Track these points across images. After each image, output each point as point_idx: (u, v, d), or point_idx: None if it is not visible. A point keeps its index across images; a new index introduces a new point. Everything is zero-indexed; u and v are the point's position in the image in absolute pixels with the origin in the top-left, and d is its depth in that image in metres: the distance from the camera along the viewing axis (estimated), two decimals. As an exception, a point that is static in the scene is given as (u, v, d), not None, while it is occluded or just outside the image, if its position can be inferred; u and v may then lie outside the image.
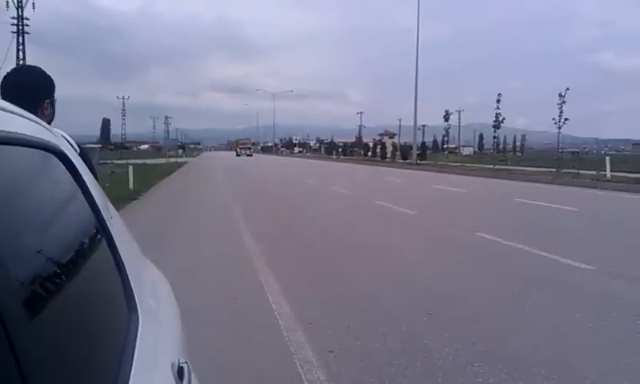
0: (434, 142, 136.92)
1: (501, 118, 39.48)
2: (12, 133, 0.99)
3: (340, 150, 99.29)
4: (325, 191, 22.65)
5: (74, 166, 1.37)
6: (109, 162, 44.58)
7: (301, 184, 27.33)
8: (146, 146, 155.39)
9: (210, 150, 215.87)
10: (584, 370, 4.26)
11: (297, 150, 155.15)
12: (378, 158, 71.61)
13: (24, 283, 0.86)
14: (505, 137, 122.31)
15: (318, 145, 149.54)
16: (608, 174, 27.00)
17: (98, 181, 1.89)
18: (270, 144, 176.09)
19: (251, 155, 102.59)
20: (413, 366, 4.30)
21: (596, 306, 5.92)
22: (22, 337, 0.75)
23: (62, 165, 1.30)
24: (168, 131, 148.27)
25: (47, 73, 2.80)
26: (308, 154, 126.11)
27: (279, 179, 32.04)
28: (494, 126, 40.56)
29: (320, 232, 11.52)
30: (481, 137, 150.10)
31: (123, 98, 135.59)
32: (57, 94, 2.80)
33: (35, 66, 2.88)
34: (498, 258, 8.72)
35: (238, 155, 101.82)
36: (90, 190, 1.42)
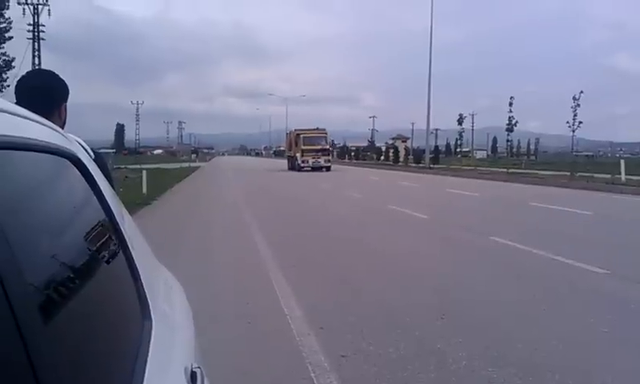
0: (447, 145, 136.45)
1: (514, 121, 39.25)
2: (27, 138, 1.00)
3: (352, 154, 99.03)
4: (337, 195, 22.63)
5: (89, 172, 1.38)
6: (122, 166, 44.85)
7: (313, 187, 27.31)
8: (159, 151, 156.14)
9: (223, 154, 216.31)
10: (598, 375, 4.22)
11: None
12: (391, 162, 71.47)
13: (39, 288, 0.86)
14: (519, 140, 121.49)
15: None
16: (623, 177, 26.74)
17: (114, 187, 1.90)
18: (282, 148, 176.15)
19: (329, 168, 48.27)
20: (426, 371, 4.28)
21: (611, 310, 5.86)
22: (36, 342, 0.76)
23: (76, 170, 1.31)
24: (181, 136, 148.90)
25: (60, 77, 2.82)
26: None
27: (291, 182, 32.04)
28: (507, 130, 40.31)
29: (332, 236, 11.51)
30: (494, 140, 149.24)
31: (137, 103, 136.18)
32: (72, 99, 2.82)
33: (49, 70, 2.90)
34: (512, 262, 8.66)
35: (295, 168, 49.79)
36: (105, 195, 1.43)
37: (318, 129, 53.19)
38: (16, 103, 1.25)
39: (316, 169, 47.47)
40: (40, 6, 48.58)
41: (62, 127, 2.54)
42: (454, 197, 21.66)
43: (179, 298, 2.02)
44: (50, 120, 1.38)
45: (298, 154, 49.55)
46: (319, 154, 48.70)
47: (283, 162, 69.64)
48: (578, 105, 33.13)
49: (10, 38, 35.52)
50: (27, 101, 2.15)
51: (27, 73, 2.92)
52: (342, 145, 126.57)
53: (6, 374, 0.70)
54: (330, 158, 51.75)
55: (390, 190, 26.45)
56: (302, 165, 48.41)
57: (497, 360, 4.47)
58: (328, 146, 52.34)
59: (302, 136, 50.08)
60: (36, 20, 48.41)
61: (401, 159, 70.34)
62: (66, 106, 2.76)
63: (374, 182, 32.16)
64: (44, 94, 2.60)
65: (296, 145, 50.96)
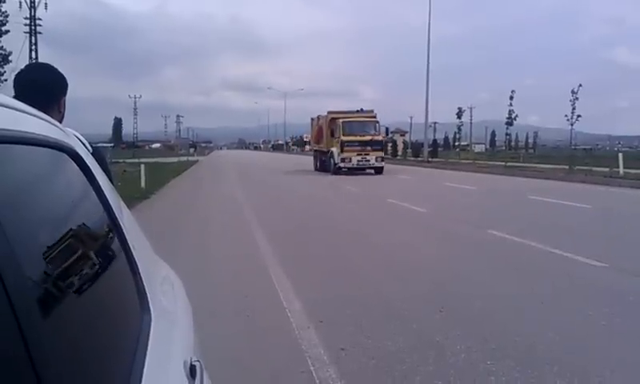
0: (446, 139, 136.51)
1: (513, 115, 39.26)
2: (25, 132, 1.00)
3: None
4: (336, 189, 22.62)
5: (87, 166, 1.37)
6: (121, 161, 44.83)
7: (312, 181, 27.29)
8: (157, 145, 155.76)
9: (221, 148, 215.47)
10: (597, 367, 4.23)
11: (308, 147, 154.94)
12: (389, 156, 71.52)
13: (37, 282, 0.86)
14: (517, 134, 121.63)
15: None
16: (621, 170, 26.76)
17: (112, 181, 1.90)
18: (280, 142, 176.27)
19: (381, 170, 32.83)
20: (425, 364, 4.29)
21: (609, 303, 5.87)
22: (35, 335, 0.76)
23: (74, 164, 1.30)
24: (179, 130, 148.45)
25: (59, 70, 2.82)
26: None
27: (291, 177, 31.99)
28: (506, 123, 40.32)
29: (332, 229, 11.52)
30: (493, 134, 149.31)
31: (135, 97, 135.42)
32: (69, 93, 2.81)
33: (48, 64, 2.89)
34: (510, 255, 8.68)
35: (329, 169, 34.07)
36: (103, 189, 1.43)
37: (362, 111, 36.29)
38: (15, 97, 1.25)
39: (361, 170, 32.58)
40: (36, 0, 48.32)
41: (61, 121, 2.53)
42: (452, 190, 21.67)
43: (178, 292, 2.02)
44: (48, 114, 1.37)
45: (335, 149, 33.23)
46: (367, 147, 32.62)
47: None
48: (577, 98, 33.18)
49: (7, 31, 35.36)
50: (26, 95, 2.15)
51: (26, 67, 2.91)
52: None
53: (6, 368, 0.70)
54: (383, 154, 35.14)
55: (388, 183, 26.42)
56: (342, 164, 32.58)
57: (495, 353, 4.48)
58: (381, 137, 34.58)
59: (340, 122, 33.33)
60: (33, 13, 48.08)
61: (399, 153, 70.31)
62: (65, 99, 2.76)
63: (372, 176, 32.08)
64: (43, 87, 2.59)
65: (332, 135, 34.09)
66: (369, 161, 32.58)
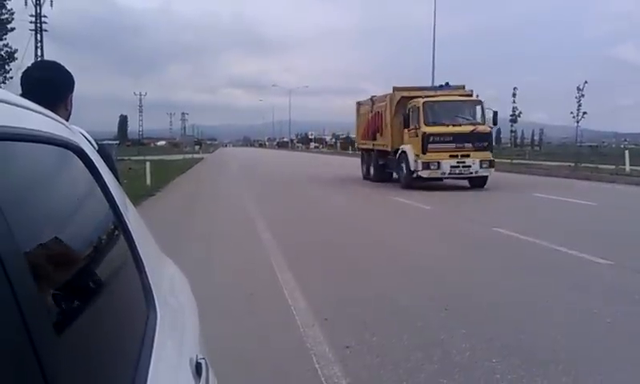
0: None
1: (517, 112, 39.05)
2: (31, 130, 1.00)
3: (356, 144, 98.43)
4: (341, 186, 22.59)
5: (92, 163, 1.38)
6: (126, 158, 44.92)
7: (317, 179, 27.26)
8: (163, 143, 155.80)
9: (226, 145, 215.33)
10: (602, 365, 4.22)
11: (313, 145, 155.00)
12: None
13: (43, 280, 0.86)
14: (522, 131, 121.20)
15: (333, 140, 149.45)
16: (627, 167, 26.61)
17: (118, 179, 1.90)
18: (285, 139, 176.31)
19: (484, 181, 19.92)
20: (430, 362, 4.28)
21: (615, 301, 5.85)
22: (41, 333, 0.76)
23: (80, 162, 1.30)
24: (185, 127, 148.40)
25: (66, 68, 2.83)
26: (324, 150, 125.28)
27: (294, 174, 31.97)
28: (510, 120, 40.12)
29: (336, 227, 11.50)
30: (498, 131, 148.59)
31: (140, 95, 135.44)
32: (75, 91, 2.82)
33: (54, 62, 2.90)
34: (515, 253, 8.65)
35: (403, 179, 20.57)
36: (109, 186, 1.43)
37: (448, 86, 22.76)
38: (21, 95, 1.25)
39: (453, 178, 20.76)
40: (42, -3, 48.49)
41: (68, 119, 2.54)
42: (457, 188, 21.56)
43: (184, 290, 2.02)
44: (56, 112, 1.38)
45: (409, 147, 20.48)
46: (467, 144, 19.90)
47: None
48: (583, 95, 32.92)
49: (13, 29, 35.60)
50: (33, 93, 2.15)
51: (33, 64, 2.92)
52: (345, 136, 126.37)
53: (12, 366, 0.70)
54: (491, 155, 20.53)
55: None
56: (424, 172, 19.83)
57: (500, 351, 4.47)
58: (487, 127, 20.92)
59: (421, 103, 20.25)
60: (38, 11, 48.31)
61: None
62: (71, 97, 2.77)
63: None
64: (50, 85, 2.60)
65: (404, 125, 21.10)
66: (469, 167, 19.81)
